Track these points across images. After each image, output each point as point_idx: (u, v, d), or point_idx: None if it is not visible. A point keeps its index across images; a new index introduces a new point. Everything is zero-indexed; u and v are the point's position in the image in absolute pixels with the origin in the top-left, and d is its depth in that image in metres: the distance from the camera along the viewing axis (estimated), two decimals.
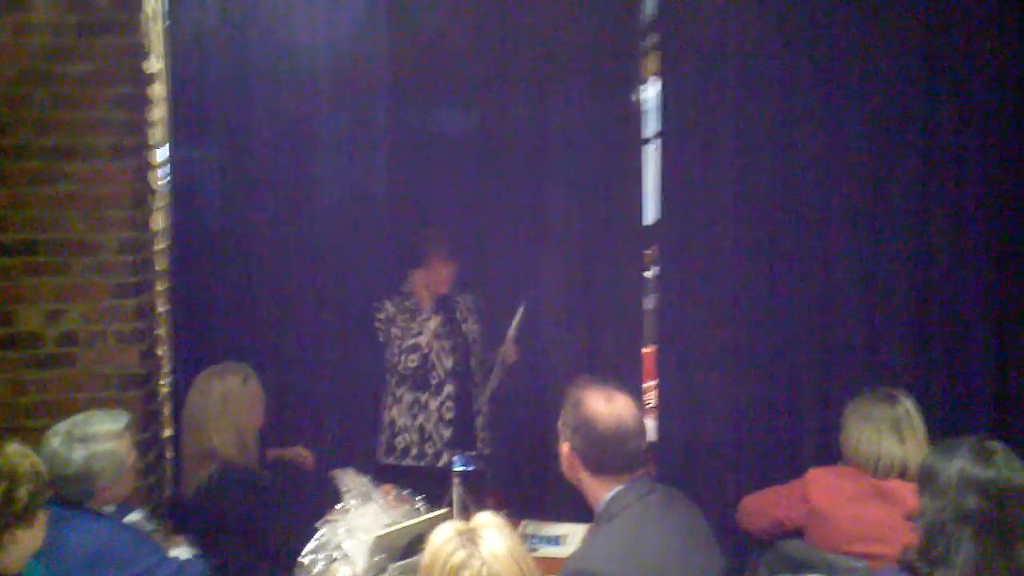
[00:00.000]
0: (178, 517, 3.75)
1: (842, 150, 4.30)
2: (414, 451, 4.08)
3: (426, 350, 4.05)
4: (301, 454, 3.85)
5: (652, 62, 4.44)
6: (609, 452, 2.45)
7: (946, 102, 4.26)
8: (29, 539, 2.42)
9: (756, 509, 3.36)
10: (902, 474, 3.03)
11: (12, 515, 2.35)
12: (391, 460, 4.11)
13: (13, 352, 3.86)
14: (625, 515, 2.43)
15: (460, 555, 1.93)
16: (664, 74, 4.38)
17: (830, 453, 3.73)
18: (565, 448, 2.52)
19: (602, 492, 2.48)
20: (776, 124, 4.31)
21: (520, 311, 4.01)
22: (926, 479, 2.43)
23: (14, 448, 2.43)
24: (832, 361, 4.37)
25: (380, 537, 2.69)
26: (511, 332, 4.01)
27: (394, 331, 4.07)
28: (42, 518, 2.46)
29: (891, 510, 2.95)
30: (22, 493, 2.36)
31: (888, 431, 3.06)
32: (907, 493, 2.87)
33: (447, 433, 4.08)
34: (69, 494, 2.89)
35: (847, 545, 3.02)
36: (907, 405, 3.11)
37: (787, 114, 4.31)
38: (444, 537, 1.97)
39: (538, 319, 4.37)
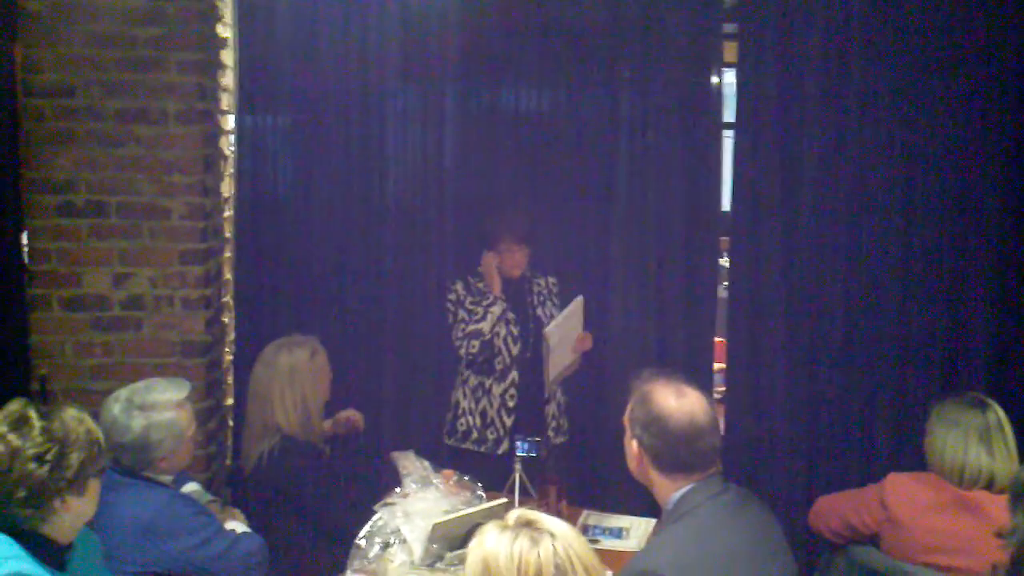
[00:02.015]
0: (237, 488, 3.73)
1: (923, 144, 4.17)
2: (475, 435, 3.97)
3: (488, 336, 3.88)
4: (353, 417, 3.74)
5: (729, 51, 4.33)
6: (681, 450, 2.33)
7: None
8: (81, 506, 2.38)
9: (830, 510, 3.23)
10: (988, 485, 2.88)
11: (63, 480, 2.30)
12: (452, 442, 4.02)
13: (81, 314, 3.89)
14: (694, 516, 2.31)
15: (523, 542, 1.72)
16: (741, 64, 4.27)
17: (906, 451, 3.61)
18: (634, 445, 2.41)
19: (671, 491, 2.37)
20: (854, 118, 4.18)
21: (578, 301, 3.89)
22: (1019, 495, 2.29)
23: (71, 414, 2.38)
24: (909, 357, 4.25)
25: (438, 524, 2.61)
26: (557, 322, 3.84)
27: (461, 313, 3.94)
28: (95, 486, 2.41)
29: (974, 522, 2.82)
30: (74, 459, 2.31)
31: (976, 439, 2.90)
32: (993, 506, 2.76)
33: (509, 421, 3.93)
34: (126, 462, 2.87)
35: (923, 556, 2.89)
36: (998, 413, 2.95)
37: (865, 108, 4.18)
38: (497, 539, 1.74)
39: (611, 305, 4.29)
